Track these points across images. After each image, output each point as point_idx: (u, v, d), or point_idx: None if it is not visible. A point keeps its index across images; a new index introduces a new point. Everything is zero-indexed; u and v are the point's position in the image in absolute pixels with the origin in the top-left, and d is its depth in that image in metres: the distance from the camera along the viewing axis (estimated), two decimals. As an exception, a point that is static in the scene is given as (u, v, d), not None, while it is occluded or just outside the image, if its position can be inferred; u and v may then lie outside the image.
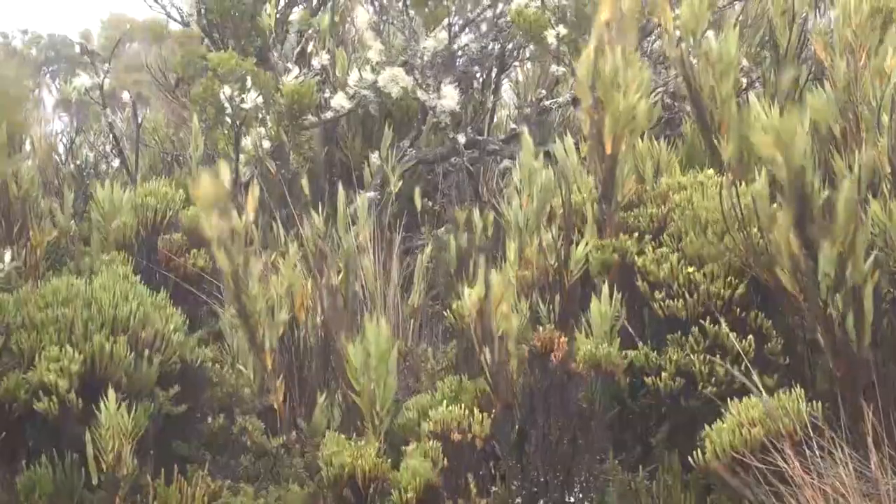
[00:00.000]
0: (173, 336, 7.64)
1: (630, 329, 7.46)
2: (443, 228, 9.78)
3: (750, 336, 7.09)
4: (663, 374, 7.16)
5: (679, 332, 7.28)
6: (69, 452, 7.05)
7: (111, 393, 6.79)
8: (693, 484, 7.04)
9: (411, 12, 10.13)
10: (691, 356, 7.13)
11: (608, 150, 7.62)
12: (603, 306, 7.23)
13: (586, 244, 7.62)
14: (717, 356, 7.06)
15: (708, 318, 7.18)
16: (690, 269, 7.29)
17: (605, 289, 7.29)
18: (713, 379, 7.06)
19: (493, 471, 7.21)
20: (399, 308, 8.97)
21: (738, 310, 7.20)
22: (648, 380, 7.20)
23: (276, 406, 8.05)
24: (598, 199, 7.74)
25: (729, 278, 7.21)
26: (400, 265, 9.10)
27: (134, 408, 6.88)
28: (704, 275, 7.27)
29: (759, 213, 6.76)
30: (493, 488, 7.17)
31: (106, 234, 9.19)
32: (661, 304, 7.31)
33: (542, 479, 7.08)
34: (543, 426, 7.04)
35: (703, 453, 6.48)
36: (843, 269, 6.36)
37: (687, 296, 7.24)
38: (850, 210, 6.32)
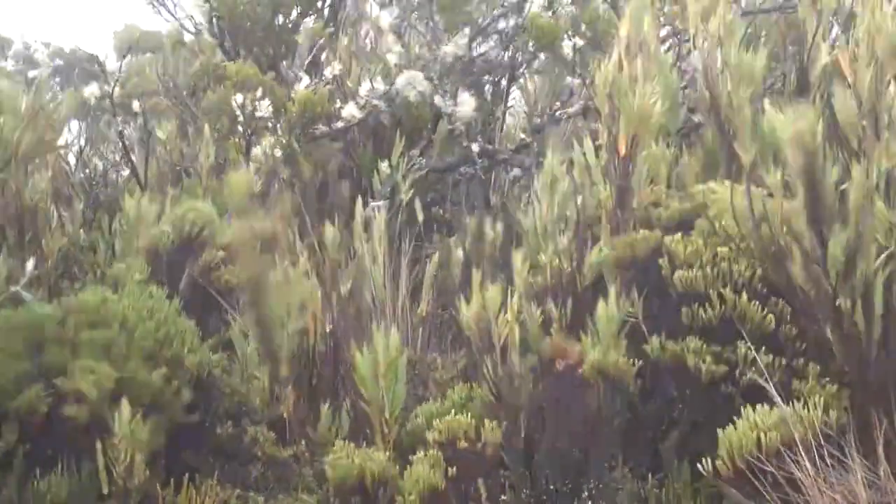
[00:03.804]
0: (189, 354, 7.67)
1: (644, 327, 7.42)
2: (454, 238, 9.74)
3: (770, 315, 7.01)
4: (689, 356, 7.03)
5: (696, 304, 7.16)
6: (85, 462, 7.06)
7: (125, 403, 6.84)
8: (703, 492, 7.01)
9: (437, 17, 10.13)
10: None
11: (621, 152, 7.67)
12: (610, 308, 7.20)
13: (600, 249, 7.63)
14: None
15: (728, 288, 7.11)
16: (719, 248, 7.24)
17: (613, 290, 7.26)
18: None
19: (502, 479, 7.21)
20: (408, 316, 8.96)
21: (761, 286, 7.09)
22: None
23: (286, 415, 8.07)
24: (614, 205, 7.74)
25: (752, 260, 7.17)
26: (410, 274, 9.09)
27: (149, 419, 6.96)
28: (731, 248, 7.21)
29: (769, 210, 6.80)
30: (503, 497, 7.17)
31: (130, 246, 9.19)
32: (682, 279, 7.23)
33: (551, 488, 7.07)
34: (553, 434, 7.04)
35: (714, 460, 6.48)
36: (854, 258, 6.38)
37: (708, 270, 7.16)
38: (860, 197, 6.36)
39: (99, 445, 6.83)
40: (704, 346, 7.02)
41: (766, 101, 7.58)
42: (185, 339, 7.67)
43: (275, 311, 7.81)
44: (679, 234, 7.51)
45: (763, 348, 6.88)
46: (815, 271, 6.52)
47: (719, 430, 6.41)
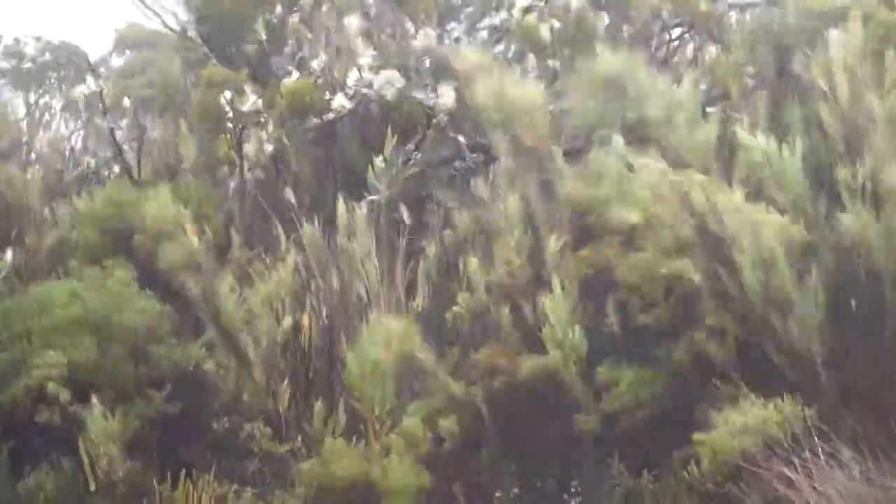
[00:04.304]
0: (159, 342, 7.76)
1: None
2: (447, 231, 9.69)
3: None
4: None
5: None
6: (67, 459, 7.12)
7: (95, 399, 6.88)
8: (697, 488, 7.01)
9: (401, 15, 10.07)
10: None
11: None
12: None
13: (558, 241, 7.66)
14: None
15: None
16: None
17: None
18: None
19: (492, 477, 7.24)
20: (404, 311, 8.89)
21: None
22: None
23: (281, 411, 8.08)
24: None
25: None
26: (403, 268, 9.05)
27: (122, 410, 7.06)
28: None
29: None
30: (497, 494, 7.19)
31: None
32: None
33: (539, 485, 7.09)
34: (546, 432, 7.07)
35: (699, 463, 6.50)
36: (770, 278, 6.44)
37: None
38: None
39: (81, 443, 6.87)
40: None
41: None
42: (156, 324, 7.76)
43: (234, 321, 7.91)
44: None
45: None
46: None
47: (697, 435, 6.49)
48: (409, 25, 9.98)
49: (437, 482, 6.98)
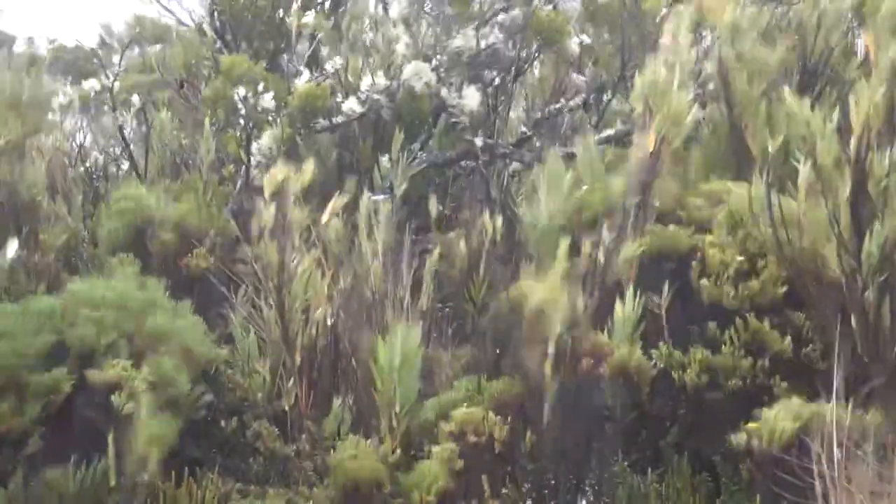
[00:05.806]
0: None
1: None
2: (453, 233, 9.74)
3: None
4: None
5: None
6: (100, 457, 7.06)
7: (144, 398, 6.86)
8: (701, 487, 7.09)
9: (448, 9, 10.07)
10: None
11: (650, 148, 7.76)
12: (627, 308, 7.30)
13: (639, 245, 7.72)
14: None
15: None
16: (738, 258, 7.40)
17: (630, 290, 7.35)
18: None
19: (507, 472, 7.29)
20: (409, 310, 8.92)
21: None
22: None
23: (287, 409, 8.09)
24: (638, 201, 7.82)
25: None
26: (410, 268, 9.08)
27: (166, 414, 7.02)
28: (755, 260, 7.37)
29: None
30: (504, 490, 7.23)
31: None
32: (710, 293, 7.40)
33: (552, 482, 7.14)
34: (562, 429, 7.12)
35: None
36: (889, 252, 6.51)
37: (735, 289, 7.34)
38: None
39: (110, 437, 6.84)
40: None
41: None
42: (192, 332, 7.73)
43: (296, 301, 7.87)
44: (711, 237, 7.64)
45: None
46: (848, 261, 6.66)
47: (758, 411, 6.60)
48: (452, 22, 9.98)
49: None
